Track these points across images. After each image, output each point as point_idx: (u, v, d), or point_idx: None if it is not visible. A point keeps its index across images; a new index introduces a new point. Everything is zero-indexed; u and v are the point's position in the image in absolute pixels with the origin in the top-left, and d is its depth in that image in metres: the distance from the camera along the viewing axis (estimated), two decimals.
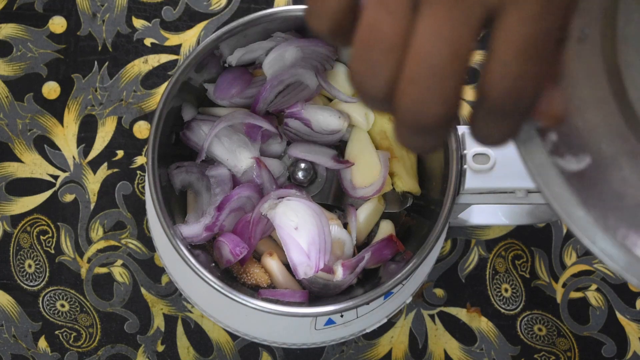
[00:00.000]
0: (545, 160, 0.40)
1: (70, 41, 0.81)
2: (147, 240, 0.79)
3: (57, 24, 0.81)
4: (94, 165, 0.80)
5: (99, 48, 0.81)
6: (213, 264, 0.66)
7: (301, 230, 0.65)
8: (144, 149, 0.80)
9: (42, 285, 0.78)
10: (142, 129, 0.80)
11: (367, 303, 0.62)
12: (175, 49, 0.81)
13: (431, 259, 0.73)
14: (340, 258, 0.67)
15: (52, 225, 0.79)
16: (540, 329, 0.79)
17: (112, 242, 0.79)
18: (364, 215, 0.68)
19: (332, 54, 0.68)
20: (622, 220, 0.39)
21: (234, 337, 0.78)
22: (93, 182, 0.79)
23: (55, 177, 0.79)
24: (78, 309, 0.78)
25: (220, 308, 0.71)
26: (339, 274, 0.65)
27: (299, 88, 0.68)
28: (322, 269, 0.65)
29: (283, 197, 0.66)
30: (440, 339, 0.79)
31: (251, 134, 0.68)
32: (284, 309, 0.62)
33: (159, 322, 0.78)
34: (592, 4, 0.39)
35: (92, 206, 0.79)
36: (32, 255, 0.79)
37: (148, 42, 0.81)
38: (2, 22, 0.81)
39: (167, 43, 0.81)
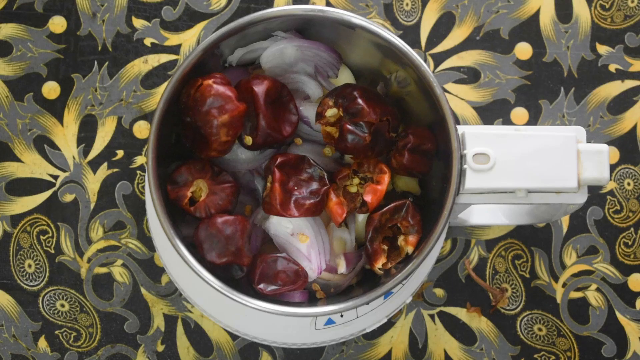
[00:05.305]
0: None
1: (70, 41, 0.81)
2: (147, 240, 0.79)
3: (57, 23, 0.81)
4: (94, 165, 0.80)
5: (99, 48, 0.81)
6: None
7: (297, 236, 0.65)
8: (144, 149, 0.80)
9: (42, 285, 0.78)
10: (142, 129, 0.80)
11: (367, 303, 0.62)
12: (175, 49, 0.81)
13: (431, 259, 0.73)
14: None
15: (52, 225, 0.79)
16: (540, 329, 0.79)
17: (112, 242, 0.79)
18: (363, 214, 0.68)
19: (337, 62, 0.67)
20: None
21: (234, 337, 0.78)
22: (93, 182, 0.79)
23: (55, 177, 0.79)
24: (78, 308, 0.78)
25: (220, 308, 0.71)
26: (343, 266, 0.65)
27: (300, 91, 0.68)
28: (325, 269, 0.65)
29: None
30: (440, 339, 0.79)
31: None
32: (284, 309, 0.62)
33: (159, 322, 0.78)
34: None
35: (92, 206, 0.79)
36: (32, 255, 0.79)
37: (148, 42, 0.81)
38: (2, 22, 0.81)
39: (167, 43, 0.81)
